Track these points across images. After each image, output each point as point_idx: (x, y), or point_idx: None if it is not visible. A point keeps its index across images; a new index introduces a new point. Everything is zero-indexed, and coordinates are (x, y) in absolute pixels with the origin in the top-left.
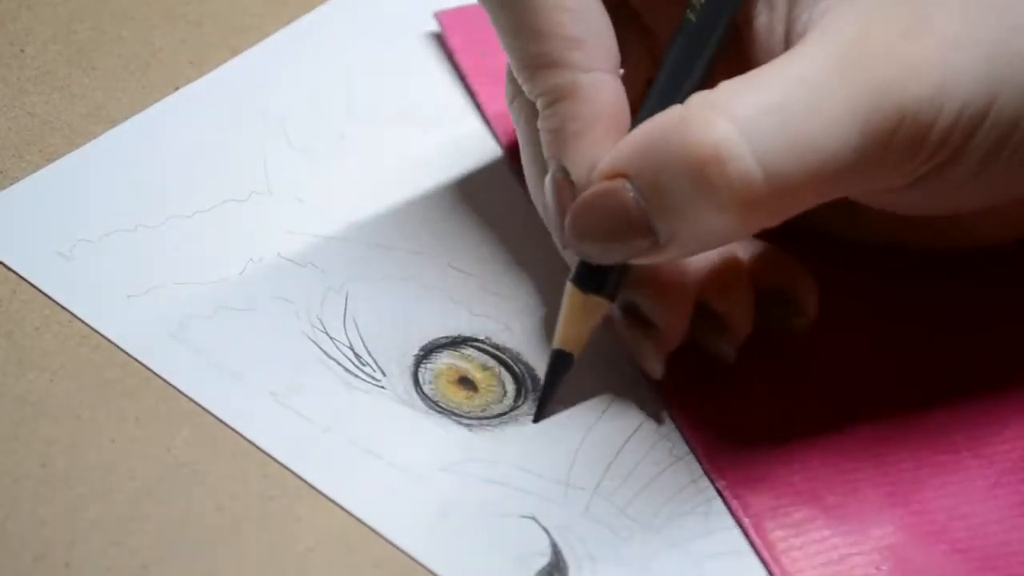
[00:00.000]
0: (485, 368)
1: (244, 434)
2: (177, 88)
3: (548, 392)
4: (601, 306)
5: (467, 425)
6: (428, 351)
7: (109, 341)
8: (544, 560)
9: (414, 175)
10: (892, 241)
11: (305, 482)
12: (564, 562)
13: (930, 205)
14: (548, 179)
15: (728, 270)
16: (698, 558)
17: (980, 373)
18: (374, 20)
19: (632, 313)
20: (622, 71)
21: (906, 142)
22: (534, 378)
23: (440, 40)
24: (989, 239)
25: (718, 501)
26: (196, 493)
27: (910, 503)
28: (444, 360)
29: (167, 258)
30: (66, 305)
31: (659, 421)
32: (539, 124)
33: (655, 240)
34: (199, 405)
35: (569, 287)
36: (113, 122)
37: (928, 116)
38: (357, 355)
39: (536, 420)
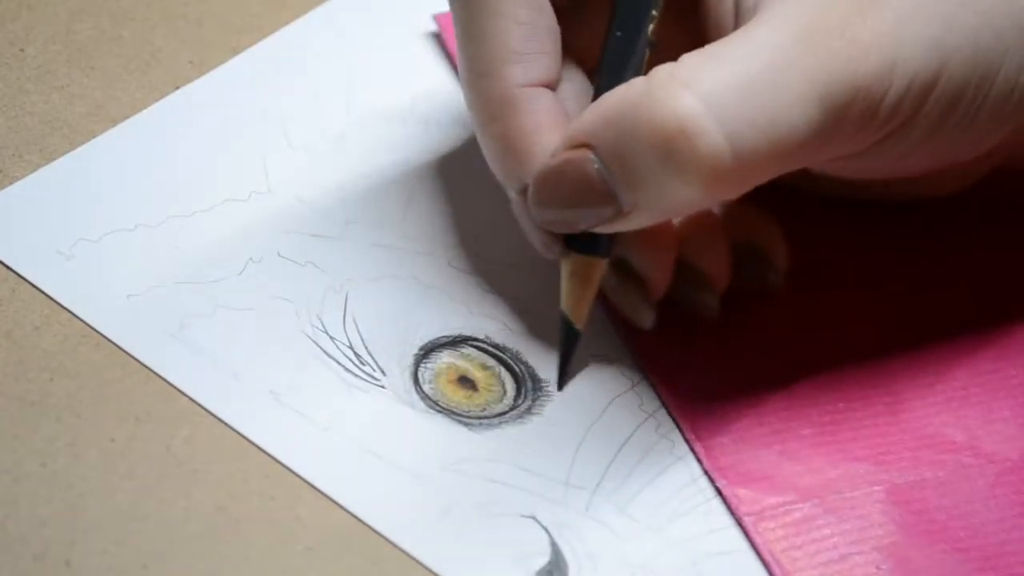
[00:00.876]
0: (485, 367)
1: (244, 434)
2: (177, 88)
3: (565, 358)
4: (597, 265)
5: (467, 424)
6: (428, 350)
7: (109, 341)
8: (544, 559)
9: (414, 175)
10: (841, 195)
11: (305, 482)
12: (564, 561)
13: (878, 170)
14: (514, 205)
15: (703, 224)
16: (698, 557)
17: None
18: (374, 20)
19: (619, 268)
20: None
21: (859, 114)
22: (534, 377)
23: (440, 40)
24: (936, 192)
25: (718, 501)
26: (196, 493)
27: (910, 503)
28: (444, 359)
29: (167, 258)
30: (66, 304)
31: (659, 421)
32: (480, 138)
33: (619, 209)
34: (199, 405)
35: (566, 252)
36: (113, 122)
37: (879, 89)
38: (357, 355)
39: (560, 388)
